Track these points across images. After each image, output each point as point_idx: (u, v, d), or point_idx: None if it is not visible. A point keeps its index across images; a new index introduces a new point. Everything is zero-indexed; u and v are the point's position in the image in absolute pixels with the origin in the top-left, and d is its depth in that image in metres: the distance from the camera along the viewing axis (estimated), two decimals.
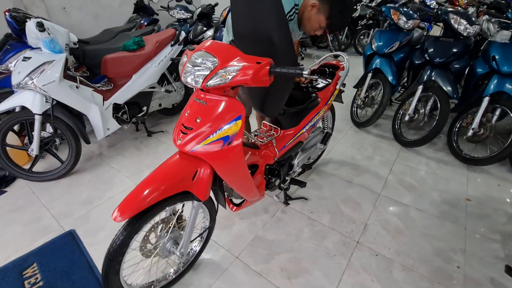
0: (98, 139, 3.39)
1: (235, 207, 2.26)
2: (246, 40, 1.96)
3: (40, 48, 3.10)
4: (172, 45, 3.84)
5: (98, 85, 3.43)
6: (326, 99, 2.60)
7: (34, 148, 3.02)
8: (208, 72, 1.54)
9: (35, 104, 2.95)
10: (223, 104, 1.58)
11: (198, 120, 1.58)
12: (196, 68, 1.56)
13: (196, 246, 2.20)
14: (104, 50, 3.70)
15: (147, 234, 1.75)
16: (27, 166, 3.17)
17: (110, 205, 2.78)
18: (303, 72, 1.50)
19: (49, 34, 3.00)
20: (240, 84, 1.54)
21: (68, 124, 3.11)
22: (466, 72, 3.61)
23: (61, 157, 3.20)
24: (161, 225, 1.80)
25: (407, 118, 3.68)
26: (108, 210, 2.72)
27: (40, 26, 2.96)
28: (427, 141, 3.49)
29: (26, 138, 3.14)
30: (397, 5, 4.81)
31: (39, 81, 2.91)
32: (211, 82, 1.54)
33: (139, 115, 3.73)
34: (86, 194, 2.93)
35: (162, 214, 1.82)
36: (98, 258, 2.23)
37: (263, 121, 2.51)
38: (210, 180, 1.69)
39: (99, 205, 2.79)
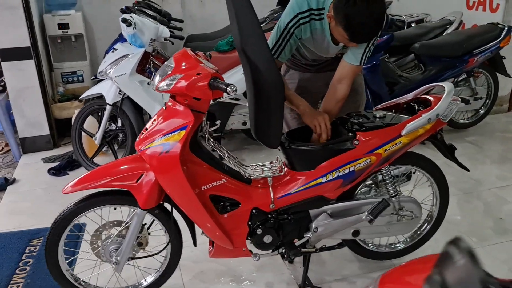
0: None
1: (212, 250, 1.92)
2: (239, 53, 1.88)
3: None
4: None
5: None
6: (372, 145, 1.81)
7: (97, 137, 3.16)
8: (163, 77, 1.62)
9: (110, 94, 3.12)
10: (175, 111, 1.63)
11: (154, 123, 1.67)
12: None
13: (148, 278, 2.00)
14: (199, 47, 3.53)
15: (100, 229, 1.86)
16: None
17: None
18: (227, 88, 1.48)
19: (134, 29, 3.06)
20: (178, 92, 1.58)
21: (131, 121, 3.14)
22: None
23: (119, 156, 3.27)
24: (117, 228, 1.86)
25: None
26: None
27: (124, 22, 3.04)
28: None
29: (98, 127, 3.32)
30: None
31: (114, 71, 3.06)
32: (160, 85, 1.61)
33: (211, 129, 3.41)
34: None
35: (117, 216, 1.88)
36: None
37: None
38: (154, 188, 1.69)
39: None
